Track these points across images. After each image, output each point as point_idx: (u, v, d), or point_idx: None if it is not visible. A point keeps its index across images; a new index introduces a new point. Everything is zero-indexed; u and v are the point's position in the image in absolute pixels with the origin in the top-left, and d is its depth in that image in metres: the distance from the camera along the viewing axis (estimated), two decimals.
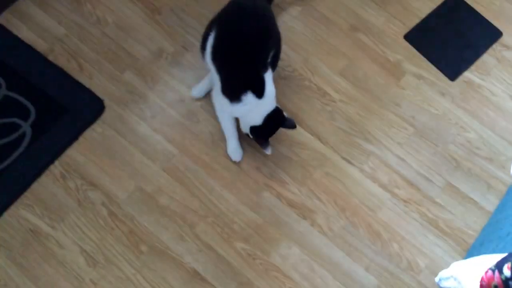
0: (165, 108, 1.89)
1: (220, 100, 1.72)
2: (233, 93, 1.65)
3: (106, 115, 1.86)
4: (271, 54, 1.68)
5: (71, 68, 1.92)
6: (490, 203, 1.81)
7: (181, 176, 1.80)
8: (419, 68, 2.00)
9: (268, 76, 1.66)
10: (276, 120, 1.71)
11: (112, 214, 1.74)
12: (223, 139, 1.85)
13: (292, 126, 1.74)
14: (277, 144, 1.85)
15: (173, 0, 2.05)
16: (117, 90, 1.90)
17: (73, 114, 1.85)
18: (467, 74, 2.00)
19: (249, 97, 1.62)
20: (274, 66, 1.74)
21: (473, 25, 2.09)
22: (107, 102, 1.88)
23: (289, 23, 2.04)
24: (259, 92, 1.63)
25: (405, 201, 1.81)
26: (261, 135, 1.72)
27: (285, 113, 1.73)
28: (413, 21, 2.08)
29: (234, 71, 1.66)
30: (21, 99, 1.85)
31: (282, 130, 1.83)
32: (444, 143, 1.90)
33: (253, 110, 1.66)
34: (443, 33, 2.07)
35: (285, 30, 2.00)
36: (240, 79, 1.65)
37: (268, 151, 1.74)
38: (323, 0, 2.09)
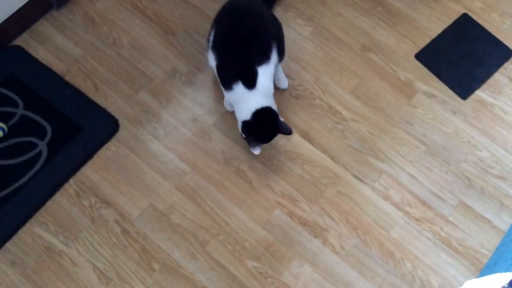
0: (178, 127, 1.92)
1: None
2: (226, 82, 1.73)
3: (120, 134, 1.90)
4: (273, 46, 1.72)
5: (87, 88, 1.96)
6: (504, 222, 1.79)
7: (193, 194, 1.81)
8: (431, 87, 2.01)
9: (265, 69, 1.69)
10: (267, 118, 1.71)
11: (125, 232, 1.75)
12: (234, 157, 1.87)
13: (287, 131, 1.73)
14: (289, 162, 1.87)
15: (187, 22, 2.10)
16: (132, 109, 1.94)
17: (88, 133, 1.88)
18: (479, 93, 2.01)
19: (239, 87, 1.68)
20: (280, 56, 1.81)
21: (484, 45, 2.10)
22: (121, 121, 1.91)
23: (301, 43, 2.07)
24: (250, 83, 1.68)
25: (417, 219, 1.80)
26: (250, 131, 1.71)
27: (281, 118, 1.73)
28: (424, 41, 2.09)
29: (229, 63, 1.72)
30: (38, 118, 1.89)
31: (293, 148, 1.84)
32: (456, 161, 1.89)
33: (244, 101, 1.70)
34: (454, 52, 2.08)
35: (296, 50, 2.03)
36: (233, 69, 1.71)
37: (256, 151, 1.75)
38: (334, 20, 2.12)
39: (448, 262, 1.74)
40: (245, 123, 1.71)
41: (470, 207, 1.82)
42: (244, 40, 1.69)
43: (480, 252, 1.75)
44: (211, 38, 1.77)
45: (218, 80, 1.80)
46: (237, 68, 1.70)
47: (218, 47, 1.74)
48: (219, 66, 1.76)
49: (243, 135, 1.74)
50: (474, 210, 1.82)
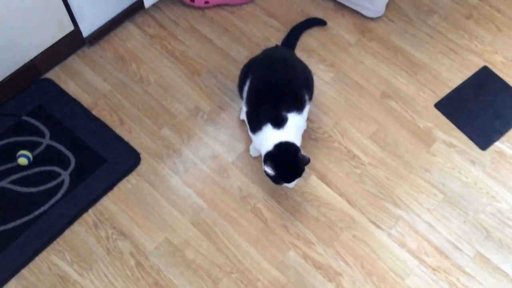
0: (198, 163, 1.95)
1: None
2: (256, 124, 1.76)
3: (141, 168, 1.94)
4: (305, 97, 1.79)
5: (112, 122, 2.02)
6: None
7: (208, 231, 1.83)
8: (450, 136, 2.02)
9: (295, 117, 1.74)
10: (288, 149, 1.71)
11: (139, 265, 1.76)
12: (251, 195, 1.88)
13: (305, 160, 1.69)
14: (305, 204, 1.87)
15: (212, 63, 2.17)
16: (154, 144, 1.98)
17: (111, 165, 1.93)
18: (498, 144, 2.01)
19: (268, 127, 1.72)
20: (310, 97, 1.86)
21: (504, 97, 2.11)
22: (143, 155, 1.95)
23: (322, 87, 2.12)
24: (278, 124, 1.72)
25: (433, 269, 1.77)
26: (271, 162, 1.69)
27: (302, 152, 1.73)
28: (444, 91, 2.12)
29: (260, 108, 1.76)
30: (63, 149, 1.95)
31: (310, 190, 1.85)
32: (474, 211, 1.87)
33: (269, 138, 1.72)
34: (474, 103, 2.10)
35: (317, 94, 2.07)
36: (263, 114, 1.75)
37: (290, 185, 1.75)
38: (355, 67, 2.17)
39: None
40: (267, 154, 1.72)
41: (488, 259, 1.79)
42: (277, 91, 1.74)
43: None
44: (245, 89, 1.82)
45: (248, 126, 1.82)
46: (268, 113, 1.74)
47: (251, 97, 1.79)
48: (250, 113, 1.80)
49: (266, 171, 1.73)
50: (491, 262, 1.78)
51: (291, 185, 1.77)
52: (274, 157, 1.70)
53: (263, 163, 1.72)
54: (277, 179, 1.71)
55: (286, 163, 1.70)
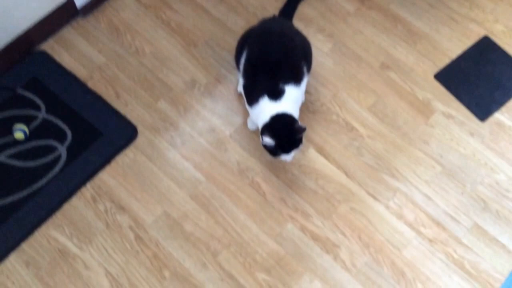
0: (195, 137, 1.94)
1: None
2: (253, 97, 1.74)
3: (138, 141, 1.93)
4: (304, 70, 1.77)
5: (108, 95, 2.00)
6: None
7: (206, 204, 1.83)
8: (449, 108, 2.01)
9: (292, 89, 1.72)
10: (285, 120, 1.70)
11: (138, 238, 1.77)
12: (249, 168, 1.88)
13: (301, 128, 1.68)
14: (303, 176, 1.87)
15: (209, 34, 2.13)
16: (151, 117, 1.97)
17: (107, 139, 1.92)
18: (498, 115, 2.00)
19: (265, 100, 1.70)
20: (307, 71, 1.83)
21: (504, 67, 2.09)
22: (140, 129, 1.94)
23: (320, 58, 2.09)
24: (275, 96, 1.70)
25: (430, 240, 1.79)
26: (269, 133, 1.68)
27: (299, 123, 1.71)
28: (444, 61, 2.09)
29: (257, 82, 1.74)
30: (59, 122, 1.93)
31: (308, 162, 1.85)
32: (472, 183, 1.88)
33: (267, 110, 1.71)
34: (473, 74, 2.08)
35: (315, 66, 2.05)
36: (260, 87, 1.73)
37: (288, 157, 1.73)
38: (354, 38, 2.14)
39: (460, 285, 1.72)
40: (264, 126, 1.71)
41: (485, 230, 1.80)
42: (274, 63, 1.72)
43: (493, 276, 1.73)
44: (242, 61, 1.79)
45: (244, 99, 1.81)
46: (265, 85, 1.72)
47: (248, 70, 1.77)
48: (246, 85, 1.78)
49: (265, 142, 1.71)
50: (488, 233, 1.80)
51: (289, 157, 1.76)
52: (272, 127, 1.69)
53: (260, 136, 1.71)
54: (276, 150, 1.70)
55: (284, 133, 1.69)
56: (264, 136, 1.66)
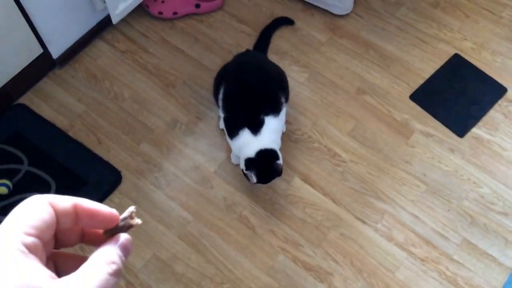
0: (180, 176, 1.94)
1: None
2: (233, 130, 1.76)
3: (123, 186, 1.92)
4: (281, 99, 1.79)
5: (90, 142, 2.00)
6: (509, 258, 1.78)
7: (196, 243, 1.82)
8: (427, 126, 2.04)
9: (271, 120, 1.73)
10: (268, 156, 1.71)
11: (129, 284, 1.75)
12: (236, 203, 1.88)
13: (278, 171, 1.71)
14: (290, 206, 1.88)
15: (186, 73, 2.16)
16: (134, 161, 1.97)
17: (92, 186, 1.91)
18: (475, 130, 2.03)
19: (245, 133, 1.72)
20: (286, 99, 1.86)
21: (477, 83, 2.14)
22: (124, 173, 1.94)
23: (297, 89, 2.12)
24: (255, 130, 1.72)
25: (422, 259, 1.79)
26: (252, 167, 1.71)
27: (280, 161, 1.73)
28: (418, 82, 2.14)
29: (237, 114, 1.77)
30: (42, 173, 1.93)
31: (294, 192, 1.86)
32: (457, 199, 1.90)
33: (249, 145, 1.72)
34: (448, 91, 2.12)
35: (293, 96, 2.08)
36: (240, 119, 1.75)
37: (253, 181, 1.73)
38: (328, 66, 2.18)
39: None
40: (247, 160, 1.72)
41: (475, 245, 1.81)
42: (252, 95, 1.75)
43: None
44: (220, 97, 1.81)
45: (226, 133, 1.82)
46: (244, 118, 1.74)
47: (227, 104, 1.78)
48: (226, 119, 1.80)
49: (246, 175, 1.74)
50: (478, 248, 1.81)
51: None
52: (255, 164, 1.71)
53: (243, 168, 1.72)
54: (256, 182, 1.73)
55: (264, 170, 1.71)
56: (249, 172, 1.67)
